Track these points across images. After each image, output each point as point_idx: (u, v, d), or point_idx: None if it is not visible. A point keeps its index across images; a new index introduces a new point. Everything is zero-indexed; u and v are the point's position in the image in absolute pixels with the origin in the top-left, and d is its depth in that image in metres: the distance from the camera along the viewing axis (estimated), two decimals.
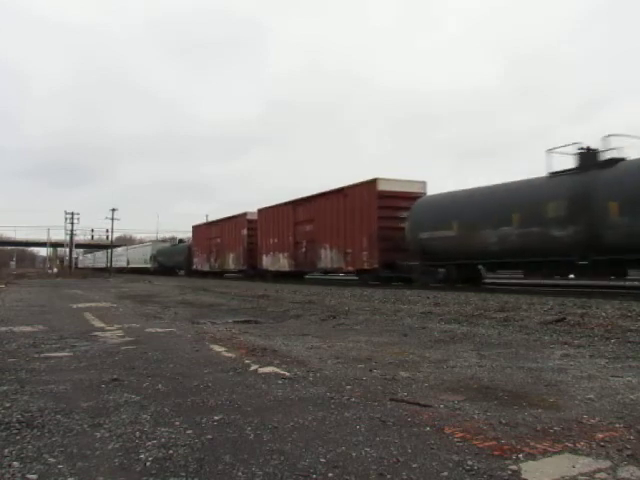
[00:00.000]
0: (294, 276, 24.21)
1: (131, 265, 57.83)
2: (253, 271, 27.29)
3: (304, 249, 22.52)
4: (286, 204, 24.23)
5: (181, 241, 47.26)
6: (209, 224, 35.21)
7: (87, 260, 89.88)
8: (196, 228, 38.24)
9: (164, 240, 52.44)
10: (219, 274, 33.46)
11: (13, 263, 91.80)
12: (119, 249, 67.42)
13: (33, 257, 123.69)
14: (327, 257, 20.96)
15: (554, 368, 3.96)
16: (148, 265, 49.74)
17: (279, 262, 24.63)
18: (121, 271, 59.86)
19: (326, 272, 23.25)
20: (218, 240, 32.23)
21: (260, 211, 27.16)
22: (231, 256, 30.15)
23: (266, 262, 25.88)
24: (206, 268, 34.23)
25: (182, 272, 41.93)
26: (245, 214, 28.65)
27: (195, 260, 36.52)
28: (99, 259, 78.05)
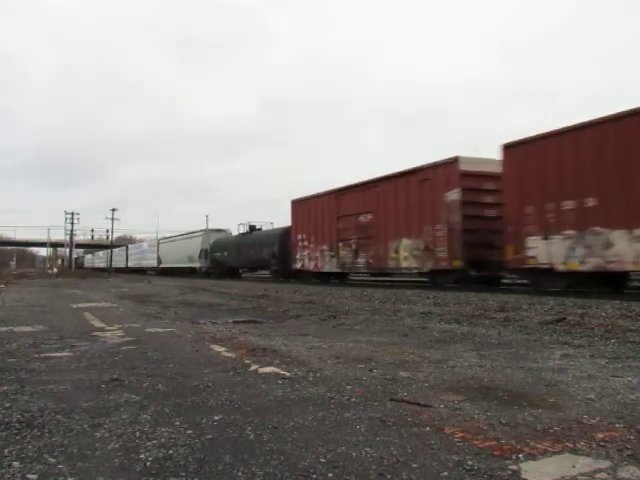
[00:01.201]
0: None
1: (165, 265, 43.93)
2: (478, 272, 14.39)
3: None
4: None
5: (253, 229, 30.48)
6: (339, 192, 19.57)
7: (97, 259, 76.20)
8: (302, 203, 22.02)
9: (219, 229, 37.47)
10: (343, 276, 20.70)
11: (13, 263, 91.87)
12: (144, 244, 54.85)
13: (33, 257, 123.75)
14: None
15: (554, 368, 3.96)
16: (195, 264, 36.13)
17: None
18: (141, 271, 50.30)
19: None
20: (365, 218, 17.91)
21: (519, 146, 12.70)
22: (403, 245, 16.20)
23: (552, 253, 11.75)
24: (330, 267, 19.78)
25: (265, 273, 29.32)
26: (454, 161, 14.39)
27: (301, 255, 21.81)
28: (115, 257, 64.64)
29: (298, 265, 22.25)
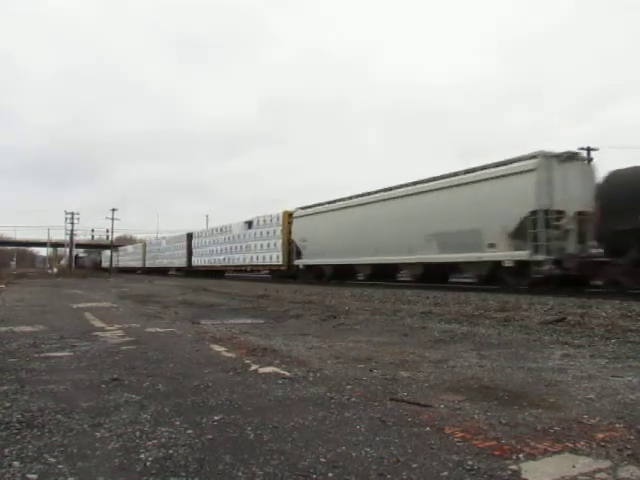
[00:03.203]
0: None
1: (318, 259, 21.86)
2: None
3: None
4: None
5: None
6: None
7: (127, 256, 57.73)
8: None
9: (571, 153, 13.18)
10: None
11: (13, 263, 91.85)
12: (236, 226, 28.98)
13: (33, 257, 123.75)
14: None
15: (554, 368, 3.96)
16: (493, 253, 13.91)
17: None
18: (219, 274, 31.00)
19: None
20: None
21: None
22: None
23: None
24: None
25: None
26: None
27: None
28: (163, 252, 42.75)
29: None
